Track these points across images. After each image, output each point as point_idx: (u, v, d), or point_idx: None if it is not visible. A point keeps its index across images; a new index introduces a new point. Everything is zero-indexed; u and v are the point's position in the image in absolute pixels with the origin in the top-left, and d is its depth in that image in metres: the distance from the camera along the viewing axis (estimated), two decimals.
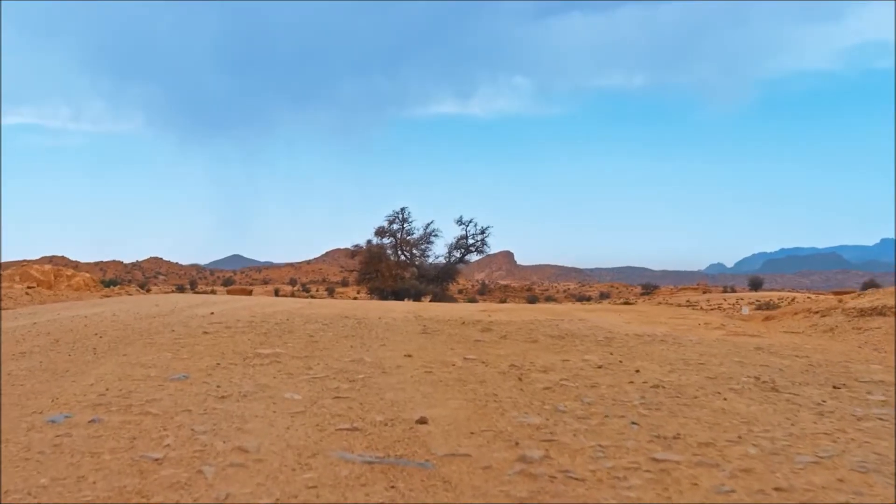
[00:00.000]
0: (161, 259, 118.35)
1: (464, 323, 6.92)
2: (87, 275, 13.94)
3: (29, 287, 13.60)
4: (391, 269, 33.07)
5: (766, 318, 11.23)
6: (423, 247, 33.95)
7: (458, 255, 34.33)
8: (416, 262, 33.98)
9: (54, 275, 13.44)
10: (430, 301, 34.02)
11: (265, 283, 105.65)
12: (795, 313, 10.36)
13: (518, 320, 7.25)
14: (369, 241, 33.64)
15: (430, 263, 34.42)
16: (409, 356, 4.57)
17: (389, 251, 33.80)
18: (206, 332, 5.58)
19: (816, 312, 9.73)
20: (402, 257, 34.04)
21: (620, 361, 4.51)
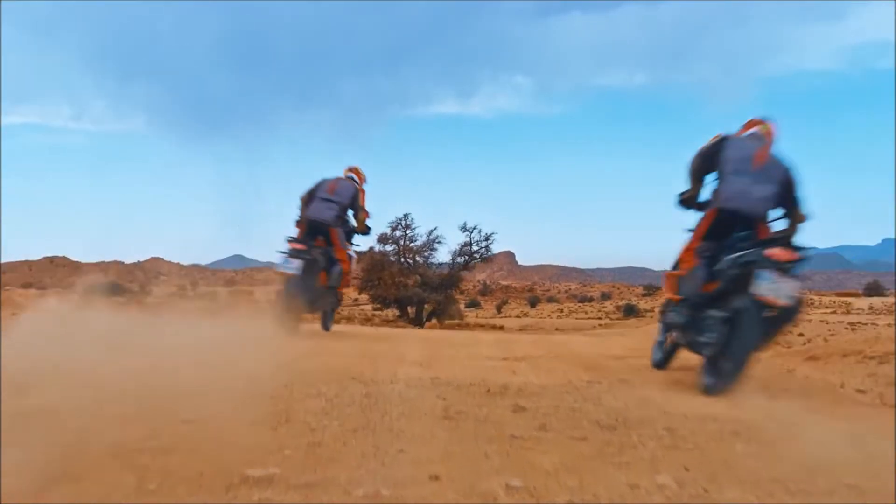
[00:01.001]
0: (162, 259, 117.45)
1: (489, 391, 5.98)
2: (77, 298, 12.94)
3: (12, 314, 12.67)
4: (394, 276, 32.17)
5: (810, 358, 10.24)
6: (426, 254, 33.10)
7: (461, 262, 33.45)
8: (419, 270, 33.10)
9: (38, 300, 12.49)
10: (435, 308, 33.24)
11: (266, 284, 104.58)
12: (845, 355, 9.42)
13: (551, 384, 6.31)
14: (371, 248, 32.76)
15: (434, 271, 33.54)
16: (437, 479, 3.63)
17: (392, 258, 32.94)
18: (184, 421, 4.63)
19: (872, 358, 8.79)
20: (405, 264, 33.17)
21: (706, 490, 3.57)
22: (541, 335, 17.26)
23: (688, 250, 5.41)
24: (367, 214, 9.27)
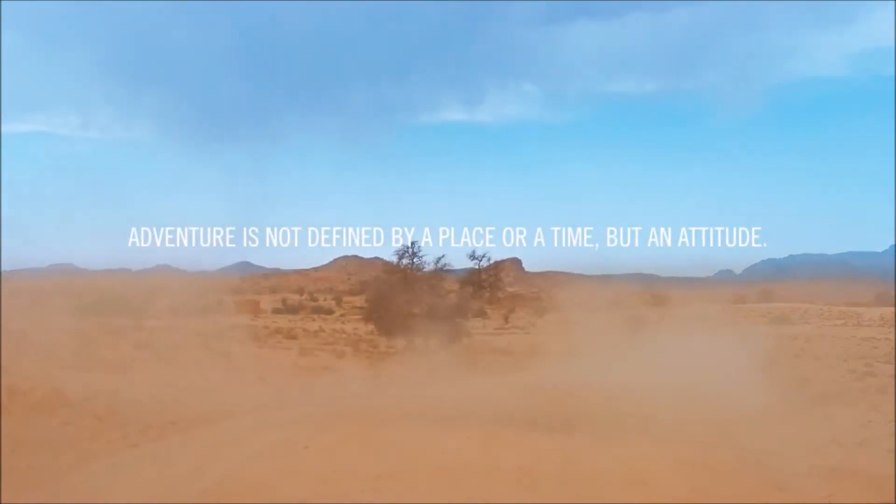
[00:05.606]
0: (169, 266, 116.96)
1: None
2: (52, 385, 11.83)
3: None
4: (400, 307, 31.41)
5: None
6: (433, 283, 32.40)
7: (470, 290, 32.82)
8: (427, 300, 32.42)
9: (7, 392, 11.15)
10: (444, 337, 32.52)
11: (273, 291, 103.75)
12: None
13: None
14: (377, 277, 32.12)
15: (442, 299, 32.88)
16: None
17: (399, 287, 32.29)
18: None
19: None
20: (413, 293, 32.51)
21: None
22: None
23: None
24: None
